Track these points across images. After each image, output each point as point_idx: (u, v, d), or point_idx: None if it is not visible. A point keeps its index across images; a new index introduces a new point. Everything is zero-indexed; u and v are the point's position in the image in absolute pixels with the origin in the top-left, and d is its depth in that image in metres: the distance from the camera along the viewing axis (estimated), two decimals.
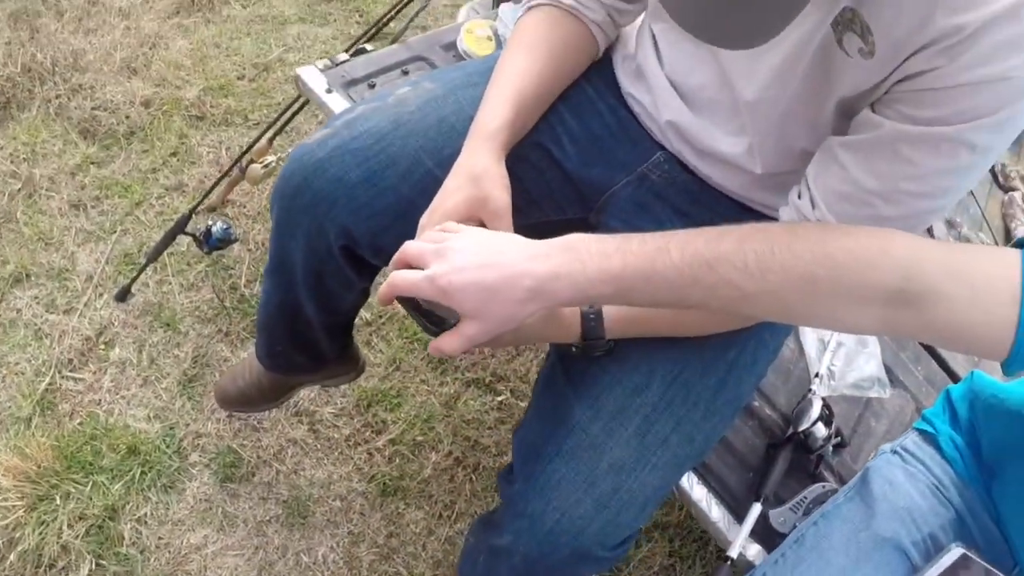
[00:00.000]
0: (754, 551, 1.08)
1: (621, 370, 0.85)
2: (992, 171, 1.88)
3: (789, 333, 1.11)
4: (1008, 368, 0.65)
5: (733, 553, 1.04)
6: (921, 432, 1.16)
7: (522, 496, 0.83)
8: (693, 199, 0.92)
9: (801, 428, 1.11)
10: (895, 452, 1.13)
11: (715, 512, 1.07)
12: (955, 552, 0.90)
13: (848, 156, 0.70)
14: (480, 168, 0.80)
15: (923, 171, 0.66)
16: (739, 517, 1.08)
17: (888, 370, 1.32)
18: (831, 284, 0.62)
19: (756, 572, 0.98)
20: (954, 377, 1.36)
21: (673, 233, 0.67)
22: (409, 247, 0.71)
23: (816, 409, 1.12)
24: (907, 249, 0.63)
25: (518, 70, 0.86)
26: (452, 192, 0.79)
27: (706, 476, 1.08)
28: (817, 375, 1.21)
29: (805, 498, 1.12)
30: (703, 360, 0.86)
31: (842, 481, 1.16)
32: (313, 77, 1.33)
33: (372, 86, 1.35)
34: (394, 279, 0.69)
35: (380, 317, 1.66)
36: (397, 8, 1.50)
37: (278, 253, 0.99)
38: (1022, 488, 0.97)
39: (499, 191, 0.80)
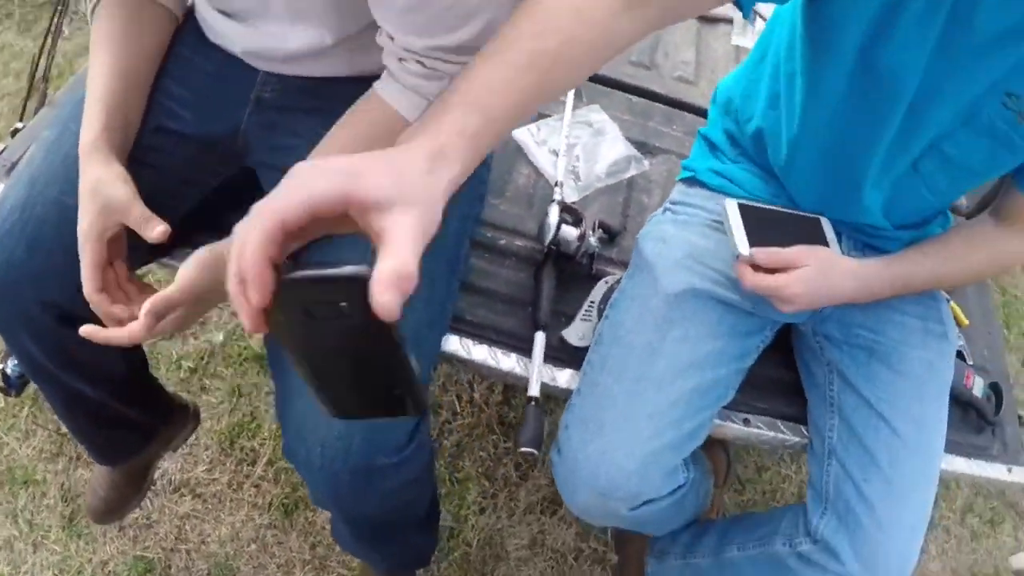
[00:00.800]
0: (565, 377, 1.05)
1: None
2: None
3: (489, 170, 1.07)
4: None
5: (534, 391, 1.01)
6: (684, 180, 1.12)
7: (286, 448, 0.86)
8: (313, 94, 0.91)
9: (548, 240, 1.07)
10: (665, 211, 1.10)
11: (505, 362, 1.04)
12: (731, 204, 0.90)
13: None
14: (92, 180, 0.78)
15: None
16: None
17: (641, 145, 1.27)
18: None
19: (574, 396, 0.95)
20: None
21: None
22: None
23: (553, 215, 1.07)
24: None
25: (100, 71, 0.84)
26: (82, 216, 0.78)
27: (479, 333, 1.05)
28: (557, 184, 1.17)
29: (592, 302, 1.09)
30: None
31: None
32: None
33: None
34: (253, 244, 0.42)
35: (202, 359, 1.62)
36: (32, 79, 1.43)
37: (21, 358, 0.98)
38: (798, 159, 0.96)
39: (117, 189, 0.77)
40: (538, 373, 1.02)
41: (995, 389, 1.39)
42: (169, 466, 1.50)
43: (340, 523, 1.06)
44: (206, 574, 1.41)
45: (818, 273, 0.88)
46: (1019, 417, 1.47)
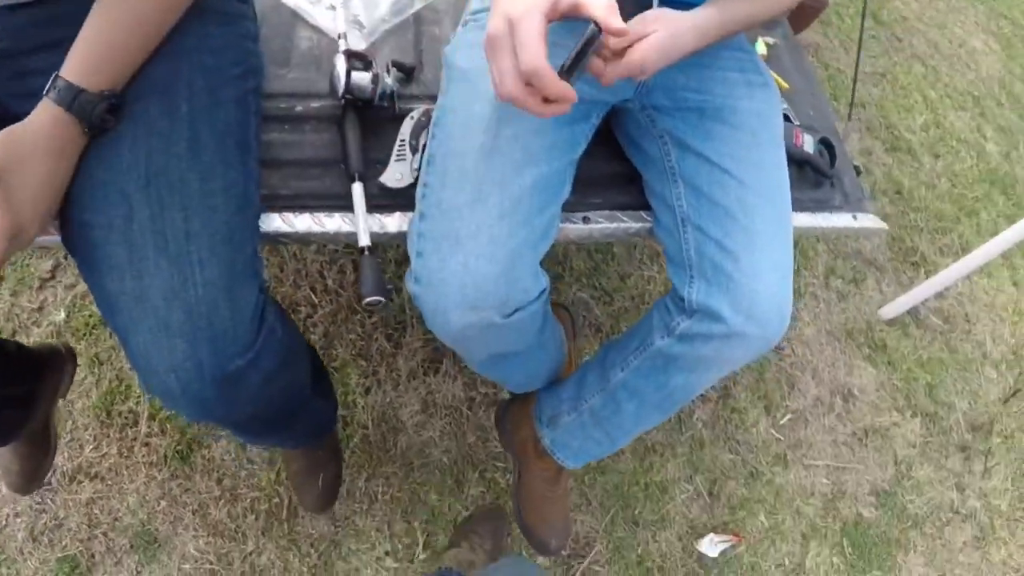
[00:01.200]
0: (394, 222, 1.02)
1: None
2: None
3: (256, 41, 1.00)
4: None
5: (364, 240, 0.98)
6: None
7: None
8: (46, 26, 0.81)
9: (342, 91, 1.02)
10: (466, 24, 1.05)
11: (330, 224, 1.00)
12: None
13: None
14: None
15: None
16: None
17: None
18: None
19: (417, 224, 0.92)
20: None
21: None
22: None
23: (341, 65, 1.02)
24: None
25: None
26: None
27: (298, 204, 1.00)
28: (340, 36, 1.11)
29: (403, 140, 1.06)
30: None
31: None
32: None
33: None
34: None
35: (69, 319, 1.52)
36: None
37: None
38: None
39: None
40: (364, 222, 0.98)
41: (826, 144, 1.44)
42: (57, 460, 1.41)
43: (233, 430, 1.03)
44: (129, 548, 1.36)
45: (667, 35, 0.84)
46: (855, 167, 1.54)
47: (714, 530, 1.62)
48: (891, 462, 1.86)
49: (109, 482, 1.41)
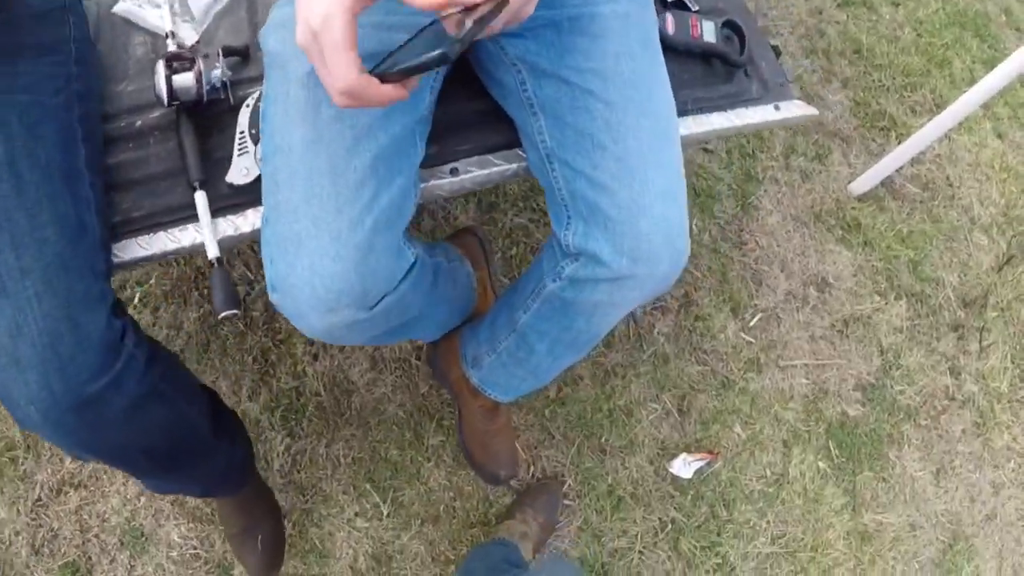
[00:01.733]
0: (249, 221, 1.02)
1: None
2: None
3: (86, 66, 0.98)
4: None
5: (212, 252, 0.98)
6: None
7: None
8: None
9: (167, 100, 1.00)
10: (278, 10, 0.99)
11: (185, 237, 1.00)
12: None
13: None
14: None
15: None
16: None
17: None
18: None
19: (263, 228, 0.89)
20: None
21: None
22: None
23: (159, 74, 0.99)
24: None
25: None
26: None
27: (151, 224, 1.01)
28: (168, 35, 1.08)
29: (242, 131, 1.04)
30: None
31: None
32: None
33: None
34: None
35: None
36: None
37: None
38: None
39: None
40: (210, 232, 0.98)
41: (732, 26, 1.34)
42: (40, 476, 1.51)
43: (125, 467, 1.05)
44: (120, 545, 1.46)
45: None
46: (773, 48, 1.43)
47: (687, 449, 1.63)
48: (876, 352, 1.80)
49: (92, 488, 1.50)
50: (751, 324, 1.77)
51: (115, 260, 0.97)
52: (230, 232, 1.01)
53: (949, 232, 1.96)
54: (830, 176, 1.95)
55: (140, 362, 0.89)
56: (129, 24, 1.12)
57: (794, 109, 1.36)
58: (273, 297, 0.88)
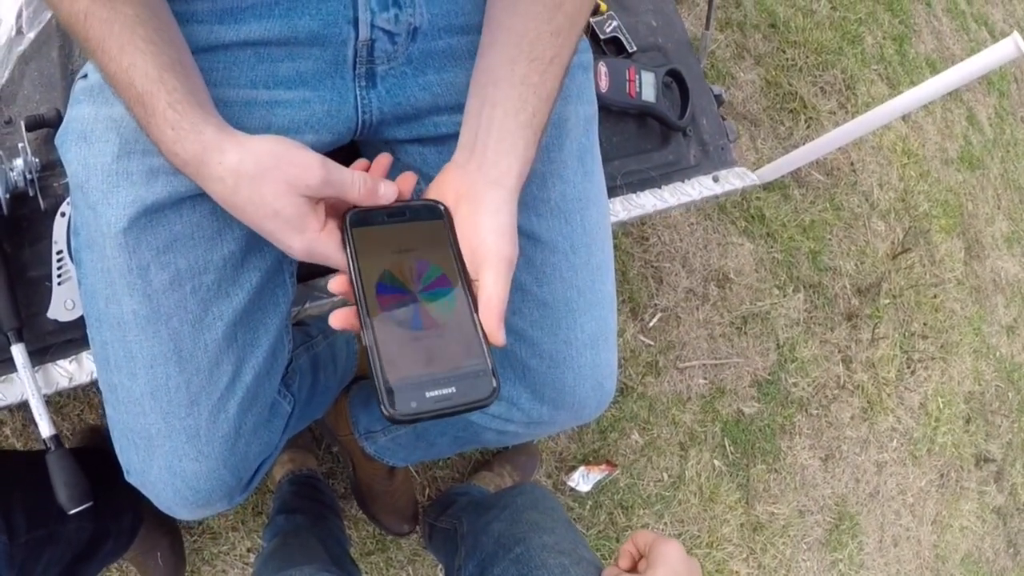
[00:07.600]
0: (85, 366, 0.88)
1: None
2: None
3: None
4: None
5: (47, 431, 0.84)
6: None
7: None
8: None
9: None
10: (83, 78, 0.75)
11: (9, 392, 0.85)
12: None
13: None
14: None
15: None
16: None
17: None
18: None
19: (104, 403, 0.74)
20: None
21: None
22: None
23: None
24: None
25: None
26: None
27: None
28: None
29: (60, 251, 0.85)
30: None
31: None
32: None
33: None
34: None
35: None
36: None
37: None
38: None
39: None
40: (41, 405, 0.81)
41: (675, 76, 1.20)
42: None
43: None
44: None
45: (500, 224, 0.64)
46: (716, 97, 1.28)
47: (585, 460, 1.64)
48: (773, 347, 1.82)
49: None
50: (650, 325, 1.74)
51: None
52: (64, 383, 0.86)
53: (849, 220, 1.94)
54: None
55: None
56: None
57: (733, 180, 1.25)
58: (132, 480, 0.75)
